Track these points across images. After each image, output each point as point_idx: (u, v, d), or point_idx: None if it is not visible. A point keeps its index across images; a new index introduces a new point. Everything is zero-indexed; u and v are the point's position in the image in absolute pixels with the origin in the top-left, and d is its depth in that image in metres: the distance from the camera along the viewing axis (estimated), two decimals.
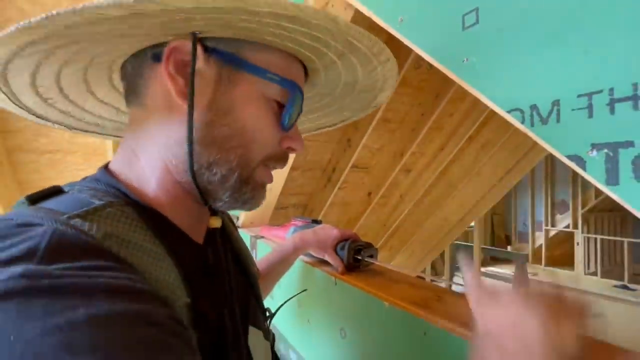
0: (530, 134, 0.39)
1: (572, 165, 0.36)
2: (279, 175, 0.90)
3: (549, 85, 0.37)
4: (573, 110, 0.35)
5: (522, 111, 0.40)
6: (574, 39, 0.35)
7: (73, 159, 1.34)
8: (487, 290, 0.30)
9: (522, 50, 0.39)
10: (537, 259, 5.54)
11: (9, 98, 0.37)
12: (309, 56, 0.37)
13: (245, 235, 1.07)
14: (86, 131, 0.46)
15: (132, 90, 0.35)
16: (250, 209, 0.38)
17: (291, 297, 0.65)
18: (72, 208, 0.27)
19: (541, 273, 5.24)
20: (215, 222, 0.40)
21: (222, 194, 0.35)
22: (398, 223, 2.26)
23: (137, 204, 0.32)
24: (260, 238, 0.97)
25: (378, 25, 1.33)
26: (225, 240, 0.44)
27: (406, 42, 0.49)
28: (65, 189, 0.31)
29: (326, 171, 1.66)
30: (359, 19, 0.64)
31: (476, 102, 1.80)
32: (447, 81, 1.55)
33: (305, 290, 0.70)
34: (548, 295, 0.27)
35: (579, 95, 0.35)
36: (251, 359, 0.38)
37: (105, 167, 0.36)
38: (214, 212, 0.41)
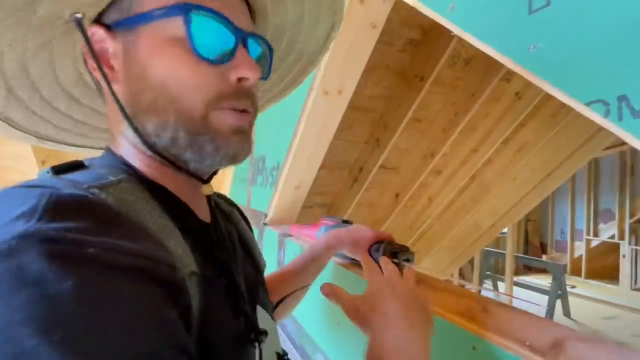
0: (616, 129, 0.34)
1: None
2: (308, 174, 0.89)
3: None
4: None
5: (606, 103, 0.35)
6: None
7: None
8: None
9: (607, 34, 0.34)
10: (576, 271, 5.18)
11: (33, 135, 0.40)
12: None
13: (272, 233, 1.07)
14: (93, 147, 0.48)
15: (97, 89, 0.37)
16: (230, 161, 0.35)
17: (291, 293, 0.60)
18: (91, 180, 0.28)
19: (580, 285, 4.90)
20: (206, 190, 0.39)
21: (184, 154, 0.33)
22: (425, 226, 2.19)
23: (147, 180, 0.33)
24: (289, 236, 0.97)
25: (411, 20, 1.27)
26: (230, 224, 0.45)
27: (458, 31, 0.46)
28: (86, 164, 0.32)
29: (353, 171, 1.64)
30: (399, 8, 0.61)
31: (514, 102, 1.70)
32: (484, 79, 1.47)
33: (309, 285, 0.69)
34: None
35: None
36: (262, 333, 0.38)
37: (107, 148, 0.37)
38: (205, 182, 0.39)
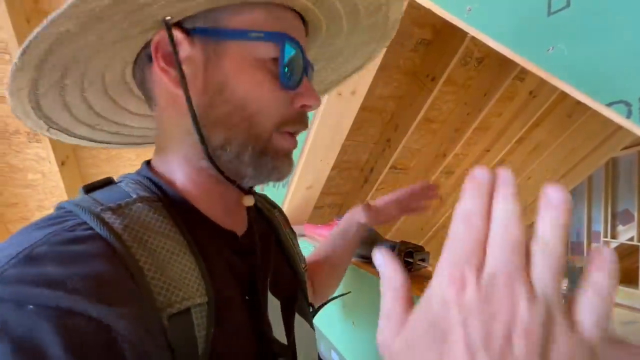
0: (638, 130, 0.34)
1: None
2: (320, 174, 0.90)
3: None
4: None
5: (628, 104, 0.35)
6: None
7: (127, 155, 1.46)
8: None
9: (628, 34, 0.34)
10: None
11: (65, 132, 0.40)
12: None
13: None
14: (141, 144, 0.49)
15: (147, 95, 0.36)
16: (279, 179, 0.36)
17: (335, 297, 0.63)
18: (112, 200, 0.29)
19: None
20: (248, 201, 0.39)
21: (244, 170, 0.34)
22: (437, 227, 2.17)
23: (169, 198, 0.33)
24: (302, 236, 0.98)
25: (423, 20, 1.27)
26: (268, 228, 0.45)
27: (475, 33, 0.46)
28: (117, 180, 0.34)
29: (363, 171, 1.64)
30: (410, 8, 0.61)
31: (528, 101, 1.68)
32: (497, 78, 1.45)
33: (349, 292, 0.68)
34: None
35: None
36: (294, 346, 0.38)
37: (148, 162, 0.37)
38: (247, 192, 0.40)
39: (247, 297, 0.34)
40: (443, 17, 0.50)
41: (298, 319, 0.40)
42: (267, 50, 0.32)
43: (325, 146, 0.86)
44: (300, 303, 0.43)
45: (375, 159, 1.59)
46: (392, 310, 0.19)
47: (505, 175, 0.17)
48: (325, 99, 0.77)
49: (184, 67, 0.32)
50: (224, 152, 0.33)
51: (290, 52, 0.33)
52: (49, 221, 0.27)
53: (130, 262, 0.26)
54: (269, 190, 1.19)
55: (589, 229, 5.20)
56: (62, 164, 1.43)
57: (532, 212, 2.44)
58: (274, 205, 0.52)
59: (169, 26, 0.31)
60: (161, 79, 0.32)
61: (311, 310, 0.49)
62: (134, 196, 0.31)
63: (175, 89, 0.32)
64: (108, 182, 0.33)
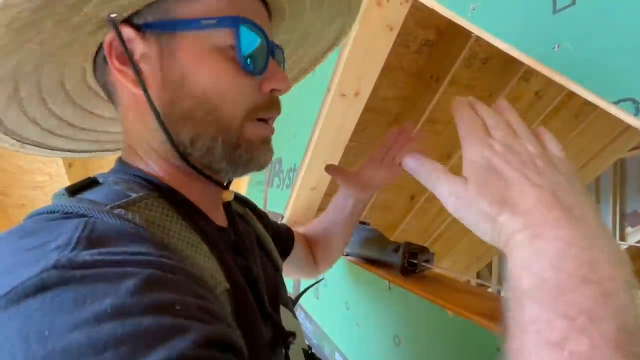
0: None
1: None
2: (324, 175, 0.90)
3: None
4: None
5: (635, 101, 0.34)
6: None
7: None
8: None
9: (636, 31, 0.33)
10: None
11: (43, 147, 0.39)
12: None
13: None
14: (101, 150, 0.46)
15: (110, 98, 0.35)
16: (258, 169, 0.35)
17: (309, 287, 0.66)
18: (111, 199, 0.28)
19: None
20: (227, 196, 0.39)
21: (218, 164, 0.33)
22: (442, 229, 2.16)
23: (166, 194, 0.32)
24: None
25: (427, 21, 1.27)
26: (247, 225, 0.45)
27: (479, 32, 0.46)
28: (100, 180, 0.32)
29: None
30: (414, 9, 0.61)
31: (534, 101, 1.66)
32: (502, 79, 1.44)
33: (322, 279, 0.70)
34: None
35: None
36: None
37: (122, 160, 0.36)
38: (225, 187, 0.39)
39: (248, 287, 0.34)
40: (447, 16, 0.49)
41: (283, 310, 0.41)
42: (223, 37, 0.31)
43: (329, 147, 0.86)
44: (283, 295, 0.44)
45: None
46: (451, 178, 0.27)
47: (471, 98, 0.30)
48: (328, 101, 0.77)
49: (141, 65, 0.31)
50: (194, 148, 0.32)
51: (247, 35, 0.31)
52: (55, 215, 0.25)
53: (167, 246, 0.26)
54: (273, 191, 1.19)
55: None
56: (69, 166, 1.45)
57: None
58: (247, 204, 0.52)
59: (115, 24, 0.29)
60: (119, 80, 0.31)
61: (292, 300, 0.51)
62: (135, 194, 0.29)
63: (134, 89, 0.31)
64: (93, 182, 0.32)
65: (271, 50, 0.34)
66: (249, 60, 0.32)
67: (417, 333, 0.58)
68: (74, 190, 0.30)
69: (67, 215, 0.25)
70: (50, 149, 0.40)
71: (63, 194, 0.29)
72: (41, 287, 0.19)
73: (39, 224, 0.24)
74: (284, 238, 0.59)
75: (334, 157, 0.89)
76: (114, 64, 0.31)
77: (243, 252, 0.38)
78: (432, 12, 0.53)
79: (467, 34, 0.48)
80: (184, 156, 0.32)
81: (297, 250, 0.62)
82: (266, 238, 0.49)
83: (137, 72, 0.30)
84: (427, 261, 0.61)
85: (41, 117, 0.36)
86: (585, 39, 0.36)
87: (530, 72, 1.46)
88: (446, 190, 0.27)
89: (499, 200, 0.24)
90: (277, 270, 0.47)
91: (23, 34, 0.26)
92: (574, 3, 0.37)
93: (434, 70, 1.33)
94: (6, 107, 0.33)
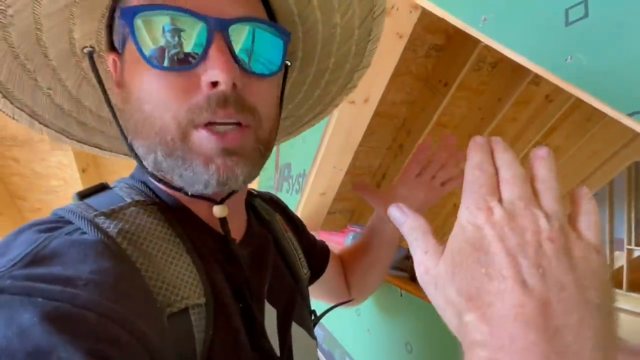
0: None
1: None
2: (333, 181, 0.91)
3: None
4: None
5: None
6: None
7: None
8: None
9: None
10: (616, 283, 4.84)
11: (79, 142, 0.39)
12: None
13: None
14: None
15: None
16: (218, 188, 0.28)
17: (336, 305, 0.61)
18: (105, 205, 0.29)
19: (622, 299, 4.57)
20: (219, 212, 0.33)
21: (172, 178, 0.29)
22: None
23: (163, 201, 0.33)
24: None
25: (435, 26, 1.27)
26: (267, 233, 0.43)
27: (490, 42, 0.46)
28: (112, 185, 0.33)
29: (376, 177, 1.63)
30: (422, 15, 0.61)
31: (543, 106, 1.65)
32: (511, 83, 1.43)
33: (352, 299, 0.68)
34: None
35: None
36: (291, 354, 0.37)
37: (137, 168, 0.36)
38: (219, 202, 0.34)
39: (240, 305, 0.32)
40: (457, 26, 0.50)
41: (296, 328, 0.39)
42: (129, 35, 0.27)
43: (338, 153, 0.86)
44: (299, 311, 0.41)
45: (387, 164, 1.58)
46: (428, 245, 0.22)
47: (496, 138, 0.23)
48: (338, 107, 0.78)
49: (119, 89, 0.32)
50: (147, 162, 0.30)
51: (144, 22, 0.26)
52: (43, 225, 0.26)
53: (127, 261, 0.25)
54: (282, 196, 1.20)
55: (611, 236, 5.01)
56: (83, 171, 1.49)
57: None
58: (278, 206, 0.50)
59: (90, 57, 0.31)
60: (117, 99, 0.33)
61: (312, 317, 0.47)
62: (128, 200, 0.30)
63: (110, 112, 0.32)
64: (102, 187, 0.33)
65: (215, 30, 0.26)
66: (156, 53, 0.26)
67: (430, 341, 0.58)
68: (84, 194, 0.31)
69: (57, 223, 0.26)
70: (61, 133, 0.37)
71: (74, 197, 0.31)
72: None
73: (31, 230, 0.25)
74: (318, 256, 0.54)
75: (343, 163, 0.90)
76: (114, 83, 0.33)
77: (248, 265, 0.35)
78: (440, 17, 0.53)
79: (475, 39, 0.48)
80: (146, 169, 0.31)
81: (330, 272, 0.55)
82: (291, 247, 0.46)
83: (105, 94, 0.32)
84: None
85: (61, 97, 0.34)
86: (599, 51, 0.36)
87: (540, 76, 1.44)
88: (418, 257, 0.22)
89: (471, 292, 0.18)
90: (298, 282, 0.43)
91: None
92: (586, 15, 0.37)
93: (442, 74, 1.33)
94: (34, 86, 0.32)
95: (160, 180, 0.32)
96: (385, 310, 0.69)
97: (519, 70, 1.40)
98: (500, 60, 1.39)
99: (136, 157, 0.31)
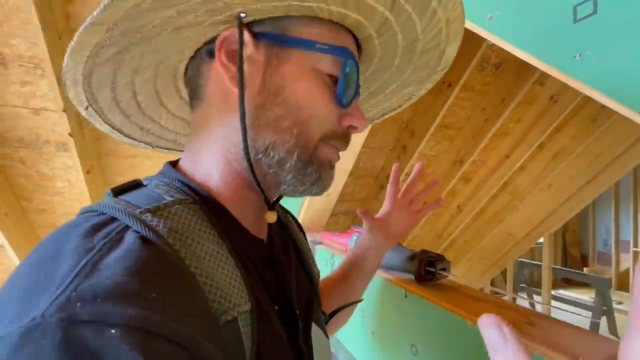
0: None
1: None
2: (337, 182, 0.90)
3: None
4: None
5: None
6: None
7: (150, 164, 1.51)
8: None
9: None
10: (622, 285, 4.80)
11: (100, 116, 0.40)
12: (359, 20, 0.34)
13: None
14: (166, 148, 0.49)
15: (195, 93, 0.36)
16: (319, 192, 0.36)
17: (345, 305, 0.61)
18: (146, 202, 0.28)
19: (628, 302, 4.52)
20: (271, 217, 0.38)
21: (284, 176, 0.33)
22: (455, 236, 2.13)
23: (204, 200, 0.32)
24: (319, 244, 0.98)
25: None
26: (287, 239, 0.44)
27: (497, 41, 0.45)
28: (144, 183, 0.33)
29: (379, 178, 1.63)
30: None
31: (549, 105, 1.64)
32: (515, 83, 1.43)
33: (361, 300, 0.67)
34: None
35: None
36: (312, 355, 0.37)
37: (172, 164, 0.36)
38: (271, 208, 0.38)
39: (276, 307, 0.34)
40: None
41: (315, 328, 0.39)
42: (328, 63, 0.33)
43: (341, 154, 0.86)
44: (316, 310, 0.42)
45: (390, 166, 1.57)
46: None
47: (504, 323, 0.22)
48: None
49: (245, 66, 0.32)
50: (267, 156, 0.33)
51: (351, 69, 0.34)
52: (88, 224, 0.25)
53: (183, 267, 0.25)
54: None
55: (616, 238, 4.96)
56: (87, 172, 1.50)
57: (553, 221, 2.34)
58: (286, 211, 0.51)
59: (241, 22, 0.31)
60: (219, 74, 0.33)
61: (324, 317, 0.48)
62: (169, 198, 0.29)
63: (230, 86, 0.32)
64: (136, 184, 0.33)
65: (357, 89, 0.36)
66: (343, 92, 0.34)
67: (435, 342, 0.57)
68: (119, 191, 0.31)
69: (101, 221, 0.25)
70: (106, 122, 0.41)
71: (109, 194, 0.30)
72: (20, 345, 0.18)
73: (79, 231, 0.24)
74: None
75: (346, 164, 0.90)
76: (221, 58, 0.32)
77: (279, 267, 0.37)
78: None
79: (479, 38, 0.48)
80: (250, 162, 0.32)
81: None
82: (303, 247, 0.47)
83: (242, 70, 0.32)
84: (444, 269, 0.61)
85: (121, 84, 0.37)
86: (608, 48, 0.36)
87: (545, 76, 1.44)
88: None
89: None
90: (312, 282, 0.45)
91: (166, 1, 0.28)
92: (595, 12, 0.37)
93: (446, 75, 1.33)
94: (104, 63, 0.33)
95: (251, 172, 0.33)
96: (389, 311, 0.69)
97: (523, 70, 1.39)
98: (504, 61, 1.38)
99: (246, 145, 0.32)
